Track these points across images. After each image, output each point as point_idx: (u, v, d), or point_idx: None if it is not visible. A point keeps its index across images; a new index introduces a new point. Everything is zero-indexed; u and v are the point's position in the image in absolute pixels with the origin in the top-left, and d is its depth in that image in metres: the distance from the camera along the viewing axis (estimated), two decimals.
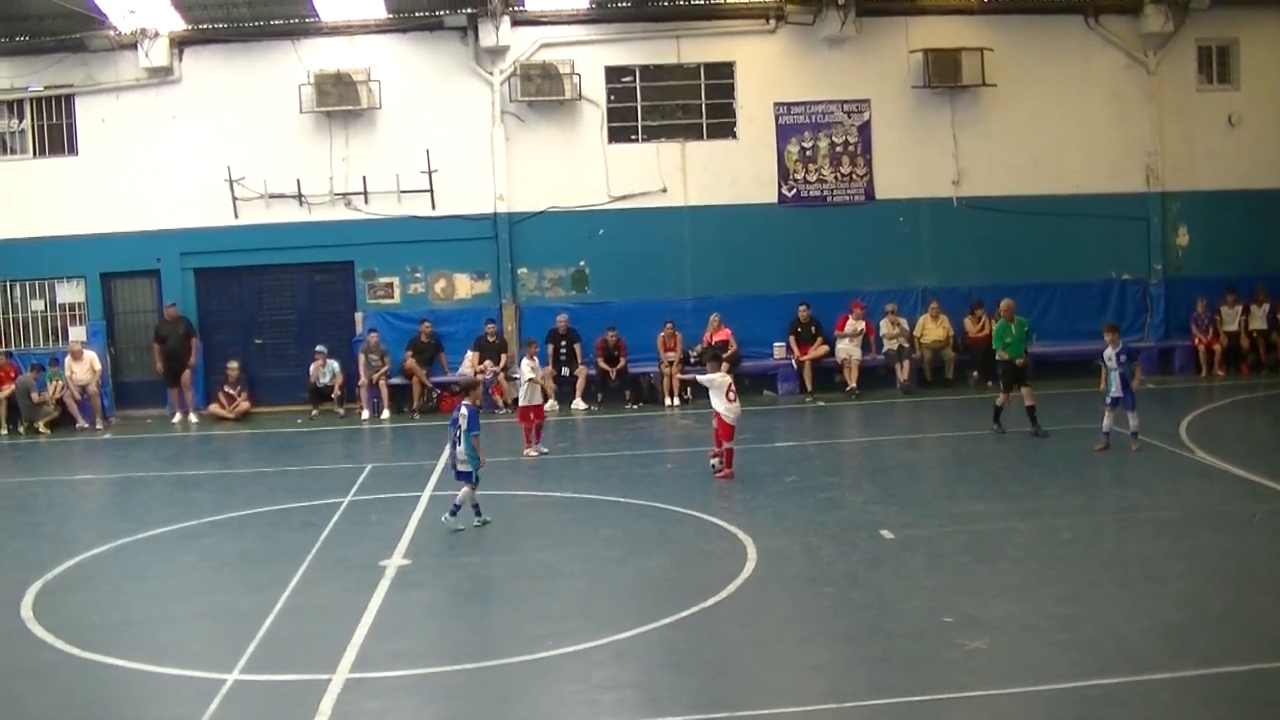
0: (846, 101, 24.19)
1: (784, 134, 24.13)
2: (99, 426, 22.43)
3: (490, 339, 22.98)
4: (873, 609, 10.44)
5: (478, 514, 13.64)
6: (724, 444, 15.83)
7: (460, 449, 13.55)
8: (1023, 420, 17.86)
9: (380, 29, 23.41)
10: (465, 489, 13.62)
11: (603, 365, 22.85)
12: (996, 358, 18.78)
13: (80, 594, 11.72)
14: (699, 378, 16.56)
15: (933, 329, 23.53)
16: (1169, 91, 24.58)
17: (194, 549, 13.36)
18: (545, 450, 18.10)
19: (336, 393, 22.98)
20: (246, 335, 23.96)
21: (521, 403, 18.57)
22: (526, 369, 18.62)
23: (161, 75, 23.12)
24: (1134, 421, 16.38)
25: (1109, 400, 16.51)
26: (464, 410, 13.68)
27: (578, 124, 23.76)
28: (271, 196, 23.32)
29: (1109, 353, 16.50)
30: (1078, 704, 8.25)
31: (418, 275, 23.89)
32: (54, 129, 23.46)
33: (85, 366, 22.55)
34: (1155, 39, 24.25)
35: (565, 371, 22.98)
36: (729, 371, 16.65)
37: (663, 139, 24.04)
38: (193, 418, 22.89)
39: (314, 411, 22.88)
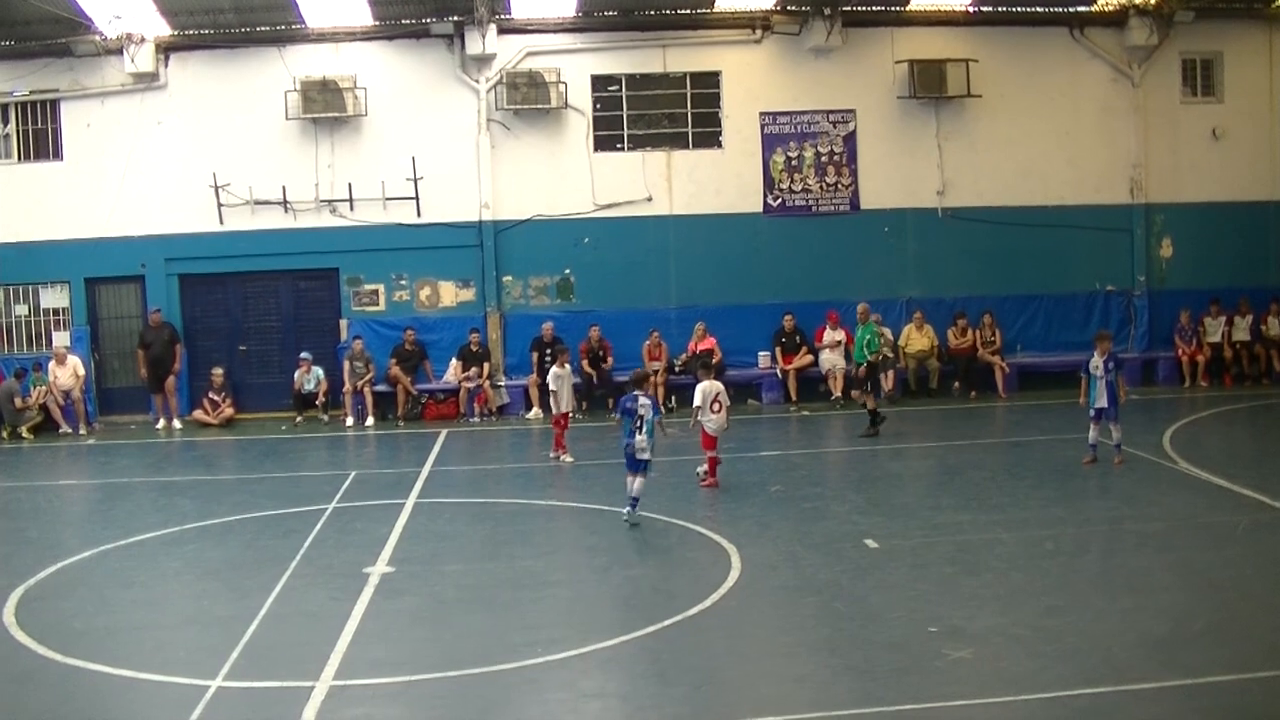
0: (832, 112, 24.23)
1: (769, 144, 24.17)
2: (82, 432, 22.35)
3: (474, 348, 22.98)
4: (857, 619, 10.45)
5: (634, 507, 13.77)
6: (707, 453, 15.83)
7: (641, 437, 13.84)
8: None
9: (366, 36, 23.38)
10: (640, 479, 13.86)
11: (587, 368, 22.79)
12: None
13: (63, 600, 11.67)
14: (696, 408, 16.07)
15: (917, 339, 23.57)
16: (1153, 104, 24.69)
17: (178, 555, 13.33)
18: (570, 459, 18.02)
19: (321, 400, 22.92)
20: (231, 342, 23.87)
21: (559, 410, 18.52)
22: (554, 375, 18.55)
23: (147, 81, 23.07)
24: (1116, 434, 16.29)
25: (1093, 412, 16.43)
26: (644, 400, 14.08)
27: (563, 132, 23.75)
28: (257, 203, 23.27)
29: (1096, 361, 16.33)
30: (1062, 715, 8.27)
31: (403, 283, 23.84)
32: (39, 134, 23.38)
33: (69, 372, 22.48)
34: (1140, 52, 24.36)
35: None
36: (715, 378, 16.54)
37: (648, 148, 24.04)
38: (177, 424, 22.82)
39: (298, 418, 22.81)
